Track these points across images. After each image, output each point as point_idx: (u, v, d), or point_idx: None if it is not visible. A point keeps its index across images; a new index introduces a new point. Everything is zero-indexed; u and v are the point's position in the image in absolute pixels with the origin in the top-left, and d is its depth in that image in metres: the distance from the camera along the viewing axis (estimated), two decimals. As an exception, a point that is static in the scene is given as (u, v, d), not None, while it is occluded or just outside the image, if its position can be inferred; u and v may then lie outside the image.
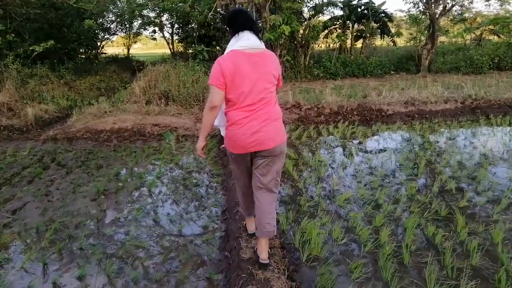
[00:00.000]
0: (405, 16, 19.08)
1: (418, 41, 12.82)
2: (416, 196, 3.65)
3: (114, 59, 19.48)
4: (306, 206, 3.50)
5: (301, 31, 11.91)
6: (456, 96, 7.82)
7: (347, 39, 13.53)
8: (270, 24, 10.86)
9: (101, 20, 17.66)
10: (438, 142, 5.60)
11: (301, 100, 7.73)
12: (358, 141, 5.74)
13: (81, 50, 13.59)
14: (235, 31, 2.28)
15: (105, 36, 19.53)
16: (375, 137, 5.96)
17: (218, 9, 12.11)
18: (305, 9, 12.71)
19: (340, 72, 11.83)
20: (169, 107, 7.33)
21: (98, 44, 19.83)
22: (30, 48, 9.33)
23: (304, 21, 12.59)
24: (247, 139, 2.20)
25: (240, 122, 2.19)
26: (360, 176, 4.23)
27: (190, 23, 16.68)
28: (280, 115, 2.35)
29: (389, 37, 14.18)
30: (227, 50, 2.27)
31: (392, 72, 12.55)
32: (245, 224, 2.92)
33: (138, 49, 39.22)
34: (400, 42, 16.09)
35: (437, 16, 11.85)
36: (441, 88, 8.50)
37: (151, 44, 29.50)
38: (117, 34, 21.46)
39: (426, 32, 12.37)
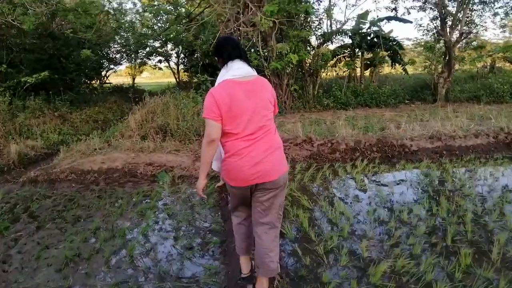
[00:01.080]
0: (412, 44, 18.68)
1: (432, 69, 12.15)
2: (477, 270, 2.79)
3: (119, 89, 19.19)
4: (331, 287, 2.64)
5: (309, 60, 11.33)
6: (486, 129, 7.01)
7: (357, 67, 12.92)
8: (276, 53, 10.32)
9: (106, 50, 17.50)
10: (480, 186, 4.75)
11: (312, 133, 6.98)
12: (382, 184, 4.90)
13: (82, 80, 13.08)
14: (225, 60, 2.22)
15: (110, 66, 19.38)
16: (402, 178, 5.12)
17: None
18: (313, 37, 12.21)
19: (351, 102, 11.13)
20: (166, 143, 6.60)
21: (103, 73, 19.72)
22: (23, 80, 8.78)
23: (312, 50, 12.06)
24: (250, 170, 2.09)
25: (241, 152, 2.09)
26: (395, 236, 3.37)
27: (195, 52, 16.36)
28: (281, 144, 2.28)
29: (400, 65, 13.60)
30: (218, 81, 2.25)
31: (407, 101, 11.83)
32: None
33: (146, 79, 39.42)
34: (410, 70, 15.49)
35: (453, 43, 11.24)
36: (465, 119, 7.72)
37: (159, 74, 29.42)
38: (122, 64, 21.42)
39: (441, 59, 11.70)
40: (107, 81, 20.15)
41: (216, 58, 2.34)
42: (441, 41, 11.91)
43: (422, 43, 13.78)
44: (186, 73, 20.71)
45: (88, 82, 14.89)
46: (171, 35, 12.74)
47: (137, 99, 8.16)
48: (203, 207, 4.38)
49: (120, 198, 4.78)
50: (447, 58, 11.61)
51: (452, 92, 11.70)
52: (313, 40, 12.32)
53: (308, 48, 11.88)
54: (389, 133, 6.92)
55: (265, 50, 10.14)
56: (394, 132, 7.08)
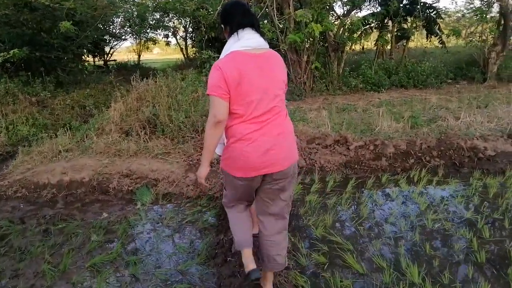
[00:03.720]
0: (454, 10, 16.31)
1: (481, 41, 10.14)
2: None
3: (122, 66, 17.74)
4: None
5: (334, 31, 9.47)
6: None
7: (389, 41, 10.98)
8: (295, 23, 8.51)
9: (109, 25, 16.00)
10: None
11: (344, 128, 5.31)
12: (460, 216, 3.27)
13: (72, 58, 11.47)
14: (233, 29, 1.89)
15: (114, 42, 18.03)
16: (490, 203, 3.47)
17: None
18: (338, 3, 10.29)
19: (384, 83, 9.31)
20: (152, 143, 5.03)
21: (107, 50, 18.26)
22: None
23: (337, 19, 10.17)
24: (259, 158, 1.82)
25: (249, 137, 1.81)
26: None
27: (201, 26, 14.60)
28: (293, 129, 2.01)
29: (437, 37, 11.59)
30: (224, 52, 1.86)
31: (449, 81, 9.92)
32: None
33: (157, 55, 37.77)
34: (450, 43, 13.41)
35: (510, 9, 9.18)
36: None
37: (170, 50, 27.75)
38: (126, 39, 19.96)
39: (495, 29, 9.66)
40: (110, 59, 18.75)
41: (223, 26, 1.99)
42: (495, 5, 9.86)
43: (469, 10, 11.64)
44: (194, 49, 19.01)
45: (84, 60, 13.27)
46: (169, 3, 10.97)
47: (134, 78, 6.53)
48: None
49: (73, 234, 3.27)
50: (501, 27, 9.57)
51: (506, 70, 9.73)
52: (337, 8, 10.38)
53: (331, 17, 10.02)
54: (447, 128, 5.19)
55: (280, 20, 8.36)
56: (453, 125, 5.35)
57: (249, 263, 2.11)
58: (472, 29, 10.59)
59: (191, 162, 4.44)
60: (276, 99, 1.86)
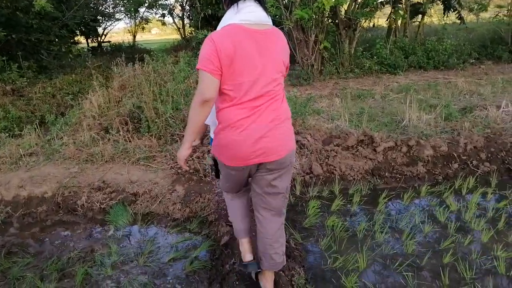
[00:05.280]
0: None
1: (509, 16, 9.05)
2: None
3: (117, 48, 16.78)
4: None
5: (345, 7, 8.43)
6: None
7: (405, 16, 9.88)
8: (302, -3, 7.49)
9: (102, 3, 15.03)
10: None
11: (364, 122, 4.41)
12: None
13: (54, 41, 10.44)
14: (233, 0, 1.67)
15: (108, 23, 17.10)
16: None
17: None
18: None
19: (401, 63, 8.31)
20: (134, 143, 4.15)
21: (100, 32, 17.28)
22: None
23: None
24: (251, 147, 1.66)
25: (239, 124, 1.64)
26: None
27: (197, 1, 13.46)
28: (289, 115, 1.81)
29: (455, 11, 10.51)
30: (221, 25, 1.67)
31: (472, 61, 8.89)
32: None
33: (156, 35, 36.42)
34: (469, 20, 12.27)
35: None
36: None
37: (169, 30, 26.51)
38: (121, 20, 18.95)
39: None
40: (104, 40, 17.72)
41: None
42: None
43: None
44: (191, 29, 17.90)
45: (71, 42, 12.22)
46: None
47: (116, 63, 5.60)
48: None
49: (17, 281, 2.43)
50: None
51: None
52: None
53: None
54: (489, 121, 4.29)
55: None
56: (494, 116, 4.45)
57: (246, 254, 2.12)
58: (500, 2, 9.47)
59: (179, 171, 3.57)
60: (273, 83, 1.68)
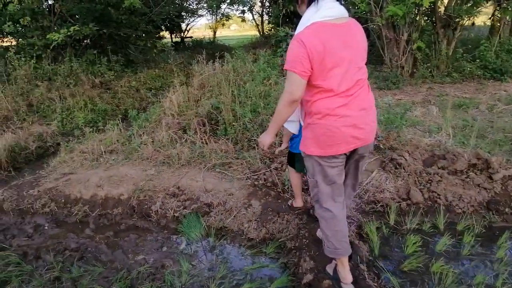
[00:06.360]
0: None
1: None
2: None
3: (198, 44, 17.35)
4: None
5: (445, 2, 7.49)
6: None
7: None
8: (396, -9, 6.76)
9: (187, 1, 15.66)
10: None
11: (472, 139, 3.70)
12: None
13: (142, 36, 10.91)
14: None
15: (191, 19, 17.79)
16: None
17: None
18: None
19: (509, 68, 7.16)
20: (210, 146, 3.96)
21: (184, 27, 17.99)
22: (48, 37, 6.75)
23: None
24: (350, 132, 1.74)
25: (337, 112, 1.72)
26: None
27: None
28: (374, 101, 1.90)
29: None
30: (303, 23, 1.70)
31: None
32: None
33: (235, 31, 37.23)
34: None
35: None
36: None
37: (247, 26, 26.98)
38: (203, 16, 19.60)
39: None
40: (187, 36, 18.39)
41: None
42: None
43: None
44: (270, 25, 17.76)
45: (156, 37, 12.72)
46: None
47: (197, 60, 5.54)
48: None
49: (88, 292, 2.33)
50: None
51: None
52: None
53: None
54: None
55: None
56: None
57: (347, 275, 2.02)
58: None
59: (256, 183, 3.28)
60: (361, 71, 1.76)
